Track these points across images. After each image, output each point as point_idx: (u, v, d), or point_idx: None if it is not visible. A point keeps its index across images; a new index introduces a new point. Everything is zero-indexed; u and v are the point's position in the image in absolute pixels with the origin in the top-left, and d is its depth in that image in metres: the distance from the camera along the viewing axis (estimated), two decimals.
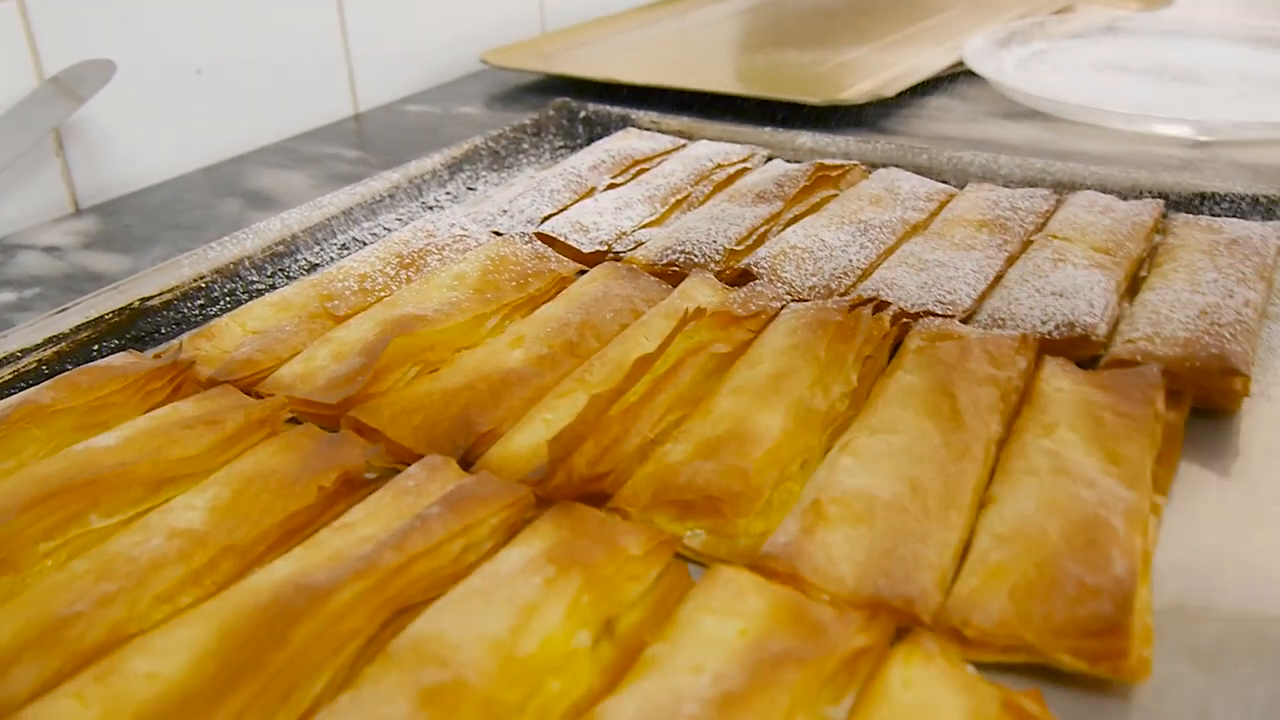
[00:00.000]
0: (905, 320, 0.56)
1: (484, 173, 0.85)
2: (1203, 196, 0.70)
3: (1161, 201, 0.68)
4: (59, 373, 0.55)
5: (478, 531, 0.42)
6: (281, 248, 0.71)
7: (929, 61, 1.01)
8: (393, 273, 0.64)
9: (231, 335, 0.58)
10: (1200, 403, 0.51)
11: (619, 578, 0.39)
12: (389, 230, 0.75)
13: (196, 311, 0.65)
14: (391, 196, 0.78)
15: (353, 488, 0.47)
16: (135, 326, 0.63)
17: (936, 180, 0.75)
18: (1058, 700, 0.35)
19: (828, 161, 0.75)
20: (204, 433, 0.49)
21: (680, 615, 0.38)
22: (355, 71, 1.06)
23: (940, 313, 0.56)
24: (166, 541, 0.42)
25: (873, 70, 1.01)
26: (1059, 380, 0.50)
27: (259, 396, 0.53)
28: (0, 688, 0.36)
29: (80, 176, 0.86)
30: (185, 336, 0.59)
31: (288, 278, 0.69)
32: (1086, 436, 0.45)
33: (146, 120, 0.89)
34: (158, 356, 0.56)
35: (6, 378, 0.57)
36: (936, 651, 0.36)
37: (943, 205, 0.70)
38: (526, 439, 0.48)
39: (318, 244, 0.73)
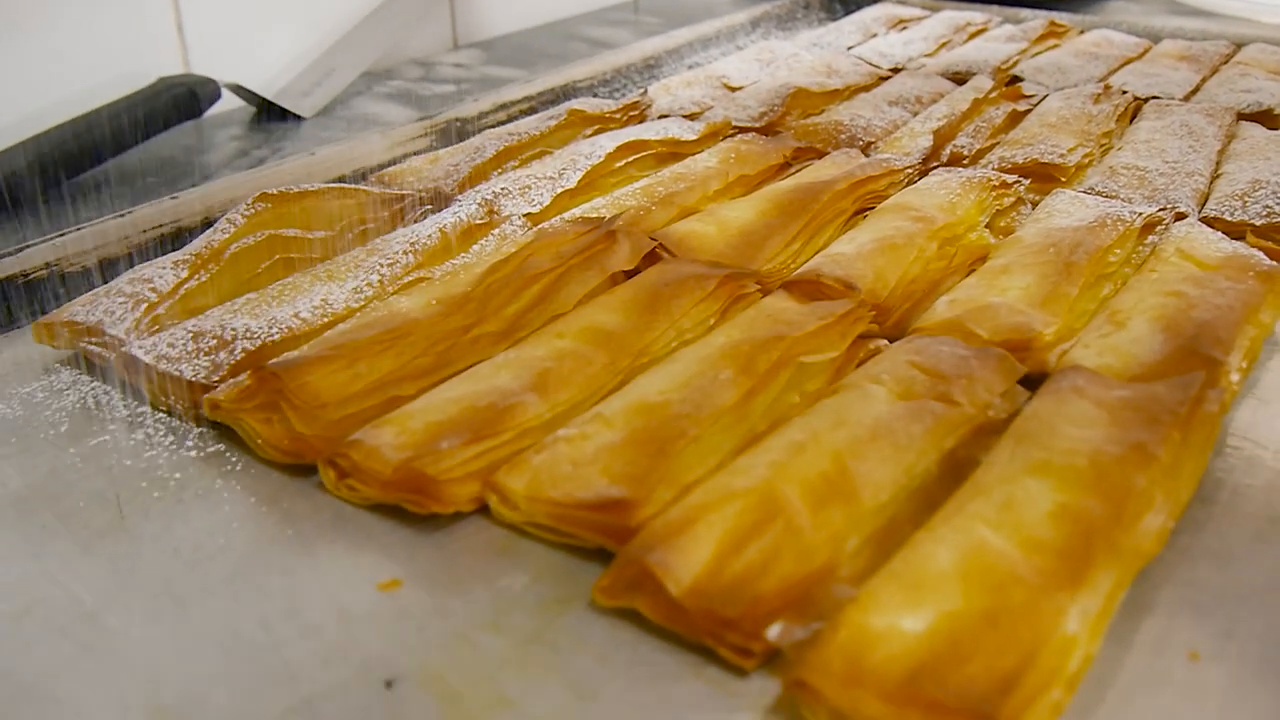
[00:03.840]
0: (1139, 101, 0.81)
1: (773, 31, 1.11)
2: None
3: None
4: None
5: (896, 176, 0.68)
6: (653, 61, 0.98)
7: None
8: (759, 67, 0.90)
9: (658, 94, 0.85)
10: None
11: (996, 191, 0.65)
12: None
13: (606, 95, 0.92)
14: (716, 37, 1.05)
15: (794, 163, 0.73)
16: (567, 98, 0.90)
17: None
18: None
19: (1056, 20, 1.00)
20: (690, 130, 0.75)
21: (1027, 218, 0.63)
22: None
23: (1164, 97, 0.82)
24: (702, 169, 0.69)
25: None
26: (1251, 129, 0.75)
27: None
28: (644, 222, 0.63)
29: (461, 22, 1.13)
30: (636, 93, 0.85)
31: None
32: (1273, 149, 0.70)
33: None
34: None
35: (502, 118, 0.84)
36: (1202, 225, 0.61)
37: (1147, 50, 0.95)
38: (901, 144, 0.74)
39: (674, 61, 0.99)
